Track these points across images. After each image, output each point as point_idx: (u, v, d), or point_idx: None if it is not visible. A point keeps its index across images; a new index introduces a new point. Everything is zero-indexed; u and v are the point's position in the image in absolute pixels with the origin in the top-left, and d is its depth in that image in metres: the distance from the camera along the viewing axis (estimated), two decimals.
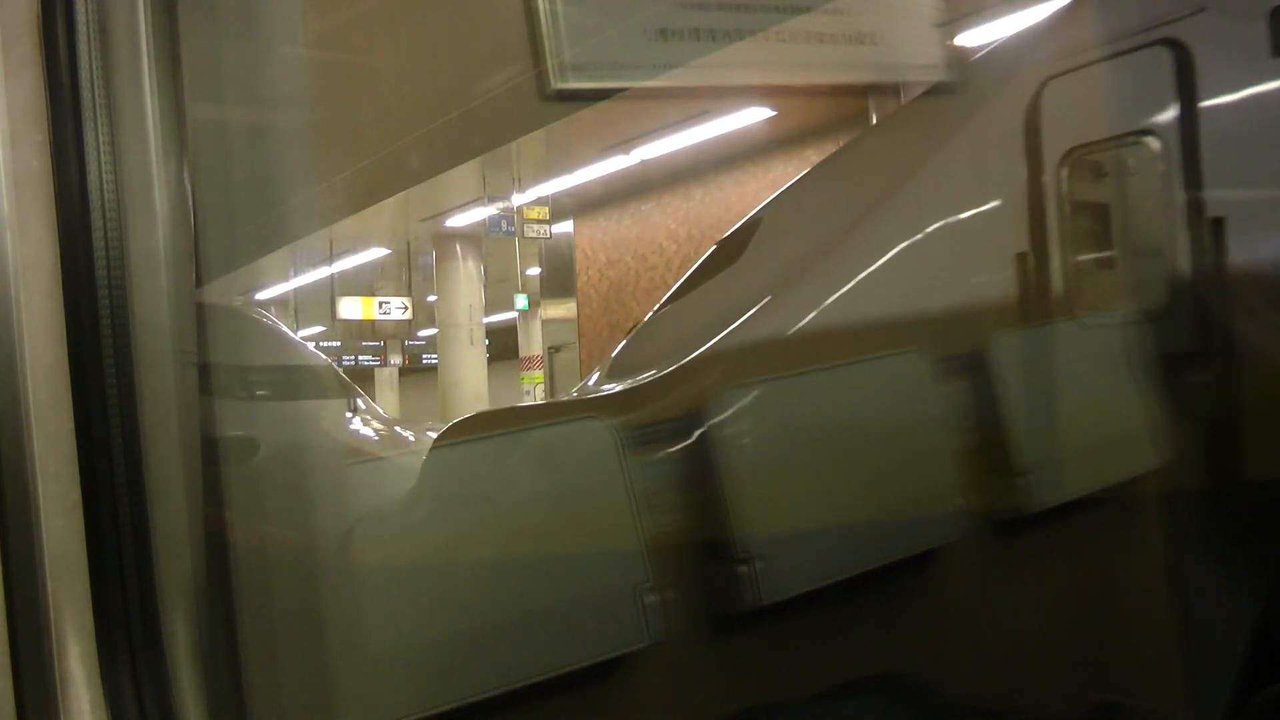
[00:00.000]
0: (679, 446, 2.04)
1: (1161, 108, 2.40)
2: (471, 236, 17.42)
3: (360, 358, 21.22)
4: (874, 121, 10.68)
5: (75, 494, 1.01)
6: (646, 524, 1.82)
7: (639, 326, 3.12)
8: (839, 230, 2.64)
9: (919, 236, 2.58)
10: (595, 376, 2.98)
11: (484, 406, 17.49)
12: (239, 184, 1.35)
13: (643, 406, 2.17)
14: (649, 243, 15.42)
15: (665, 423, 2.08)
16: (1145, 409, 2.42)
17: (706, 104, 10.94)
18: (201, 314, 1.16)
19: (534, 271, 18.19)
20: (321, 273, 19.78)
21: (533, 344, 19.19)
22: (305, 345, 7.18)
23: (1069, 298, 2.58)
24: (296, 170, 1.47)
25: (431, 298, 18.88)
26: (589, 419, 1.89)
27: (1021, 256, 2.56)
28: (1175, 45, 2.36)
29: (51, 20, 1.04)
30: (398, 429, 6.23)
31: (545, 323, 18.37)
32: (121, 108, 1.07)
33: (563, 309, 17.40)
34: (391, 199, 13.52)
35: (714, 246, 3.04)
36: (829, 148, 12.53)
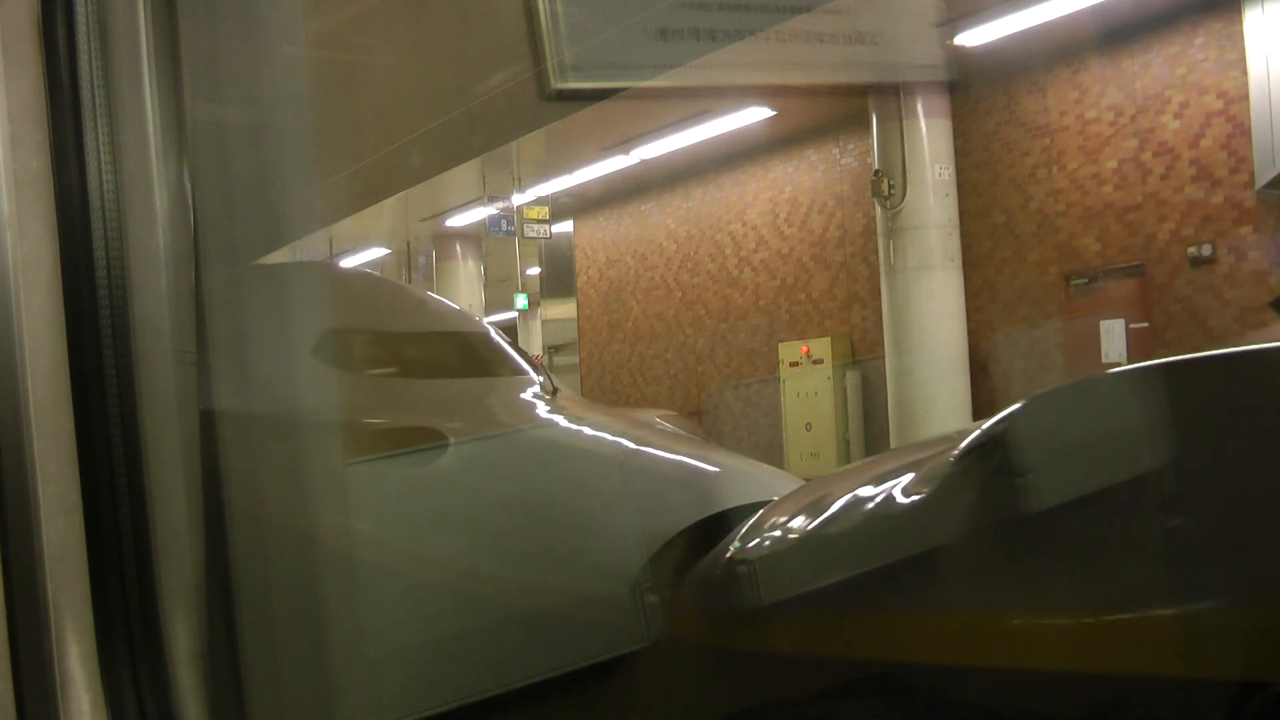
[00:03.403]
0: None
1: None
2: (471, 236, 17.40)
3: None
4: (874, 121, 10.69)
5: (75, 494, 1.01)
6: None
7: None
8: None
9: None
10: None
11: None
12: (239, 184, 1.35)
13: None
14: (649, 243, 15.41)
15: None
16: None
17: (706, 104, 10.94)
18: (202, 313, 1.16)
19: (534, 271, 18.17)
20: None
21: (533, 344, 19.17)
22: (455, 309, 4.82)
23: None
24: (296, 170, 1.46)
25: None
26: None
27: None
28: None
29: (51, 20, 1.04)
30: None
31: (545, 322, 18.36)
32: (121, 108, 1.07)
33: (563, 309, 17.39)
34: (391, 199, 13.50)
35: None
36: (829, 148, 12.53)
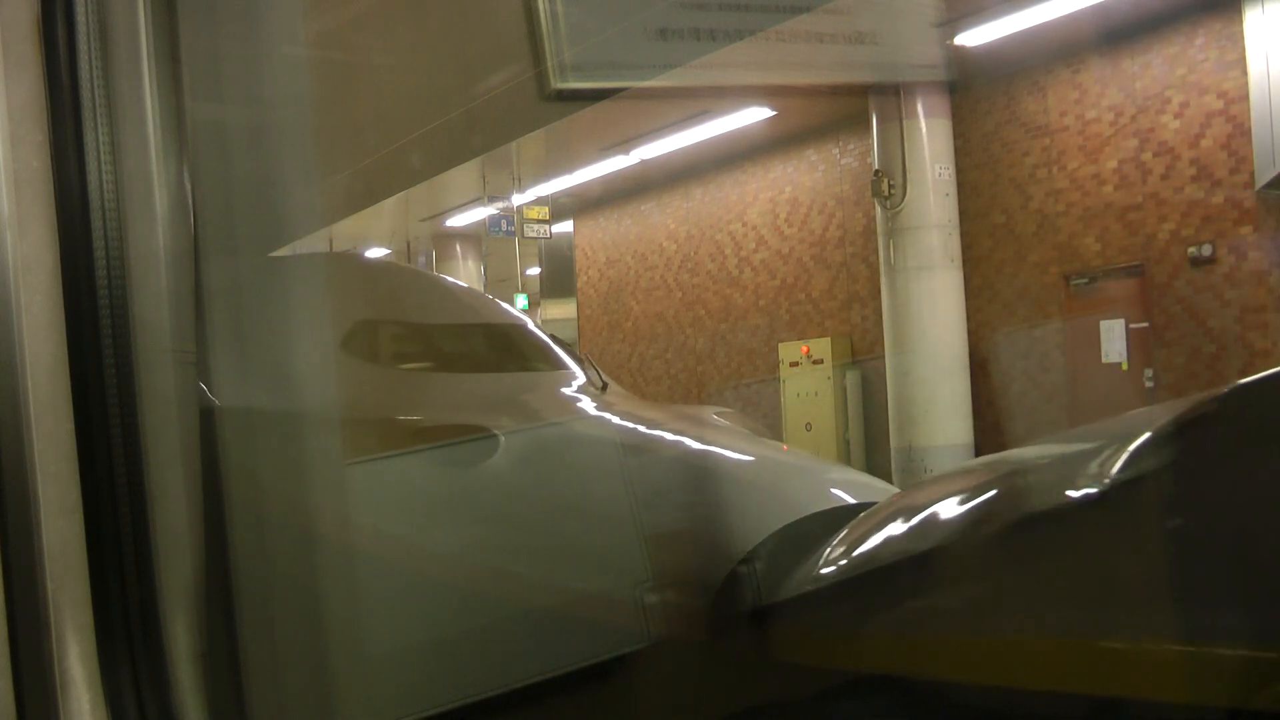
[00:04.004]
0: None
1: None
2: (471, 236, 17.41)
3: None
4: (874, 121, 10.69)
5: (75, 494, 1.01)
6: None
7: None
8: None
9: None
10: None
11: None
12: (239, 184, 1.35)
13: None
14: (649, 243, 15.41)
15: None
16: None
17: (706, 104, 10.94)
18: (201, 313, 1.16)
19: (534, 271, 18.18)
20: None
21: None
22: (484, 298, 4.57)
23: None
24: (296, 170, 1.47)
25: None
26: None
27: None
28: None
29: (51, 20, 1.04)
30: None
31: (545, 322, 18.37)
32: (121, 108, 1.07)
33: (563, 309, 17.39)
34: (391, 199, 13.51)
35: None
36: (829, 148, 12.54)
